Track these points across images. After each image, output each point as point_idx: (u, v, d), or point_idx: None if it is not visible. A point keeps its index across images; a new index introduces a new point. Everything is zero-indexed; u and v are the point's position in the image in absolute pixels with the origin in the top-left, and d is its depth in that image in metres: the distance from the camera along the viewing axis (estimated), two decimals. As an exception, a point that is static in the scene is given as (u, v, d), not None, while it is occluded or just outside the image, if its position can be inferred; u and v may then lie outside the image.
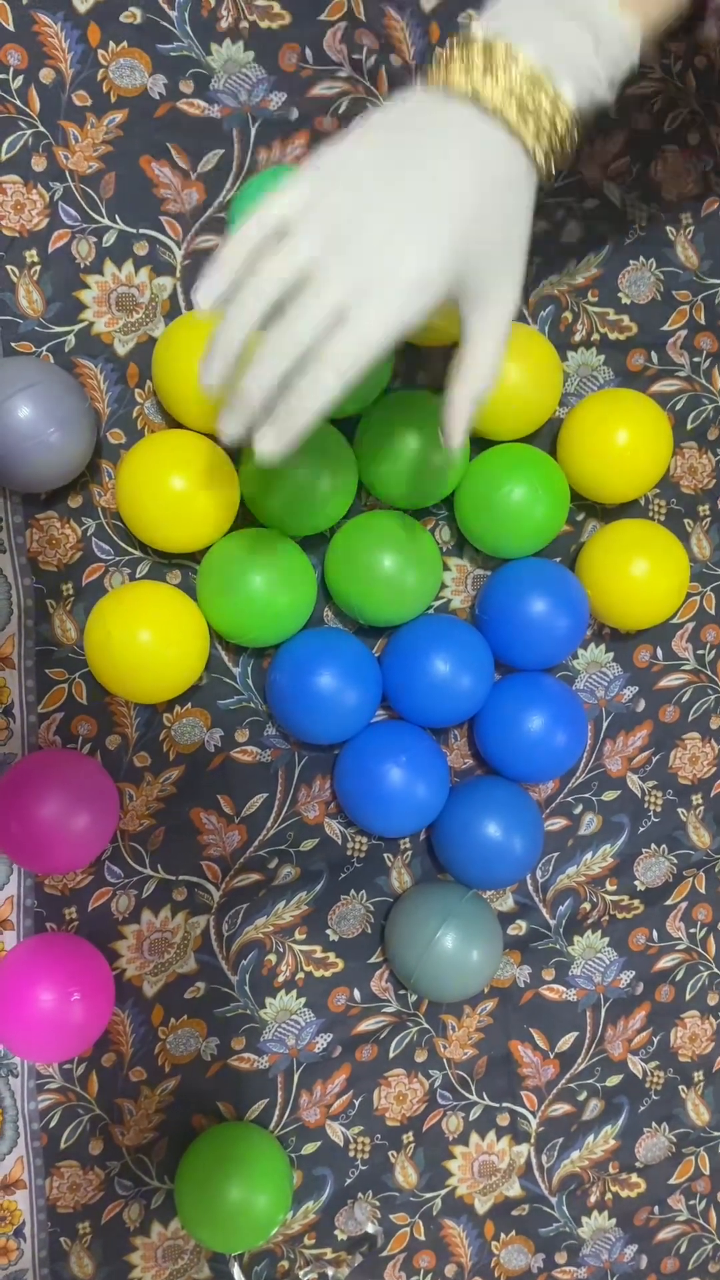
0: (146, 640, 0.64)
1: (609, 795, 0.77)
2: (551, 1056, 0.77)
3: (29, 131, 0.65)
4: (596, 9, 0.44)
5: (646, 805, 0.78)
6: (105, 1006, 0.65)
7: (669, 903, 0.79)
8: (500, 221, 0.46)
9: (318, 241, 0.44)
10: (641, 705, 0.77)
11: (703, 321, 0.76)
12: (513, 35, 0.44)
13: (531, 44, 0.44)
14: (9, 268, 0.65)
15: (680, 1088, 0.80)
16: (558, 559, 0.74)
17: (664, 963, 0.79)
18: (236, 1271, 0.72)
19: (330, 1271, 0.74)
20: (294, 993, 0.74)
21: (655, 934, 0.79)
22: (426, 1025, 0.75)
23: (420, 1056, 0.75)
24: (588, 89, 0.46)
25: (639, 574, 0.71)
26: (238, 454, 0.68)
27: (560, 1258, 0.79)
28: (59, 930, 0.69)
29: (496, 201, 0.45)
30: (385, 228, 0.44)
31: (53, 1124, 0.70)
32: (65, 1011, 0.63)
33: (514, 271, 0.48)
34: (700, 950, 0.80)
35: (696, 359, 0.76)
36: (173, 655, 0.65)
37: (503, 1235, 0.78)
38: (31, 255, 0.66)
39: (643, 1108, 0.79)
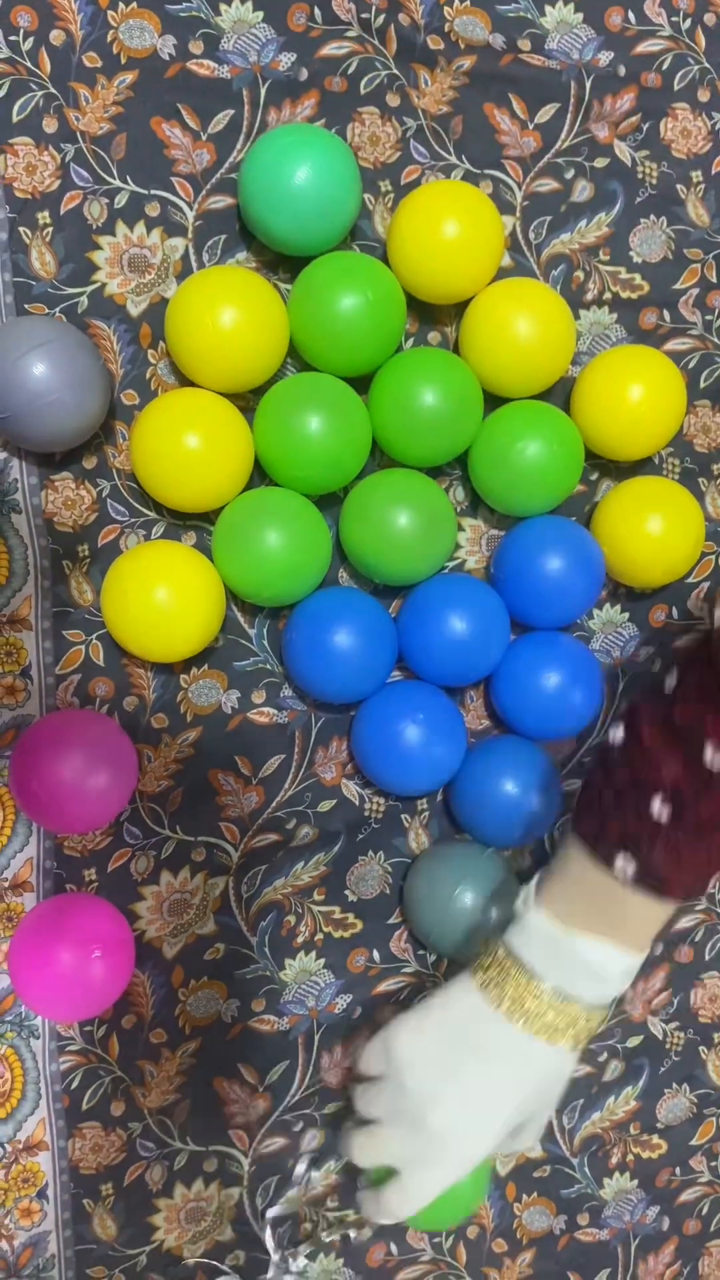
0: (163, 599, 0.64)
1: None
2: (571, 1017, 0.77)
3: (40, 93, 0.65)
4: (607, 969, 0.53)
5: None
6: (126, 965, 0.66)
7: (687, 863, 0.79)
8: (544, 1096, 0.56)
9: (388, 1110, 0.56)
10: (657, 664, 0.77)
11: (714, 279, 0.76)
12: (543, 974, 0.53)
13: (559, 984, 0.53)
14: (21, 229, 0.66)
15: (701, 1048, 0.80)
16: (572, 518, 0.74)
17: (683, 923, 0.79)
18: (268, 1236, 0.72)
19: (353, 1233, 0.74)
20: (313, 954, 0.74)
21: (674, 894, 0.78)
22: (446, 986, 0.75)
23: (440, 1018, 0.75)
24: (609, 998, 0.55)
25: (655, 531, 0.71)
26: (251, 413, 0.68)
27: (582, 1219, 0.79)
28: (78, 891, 0.70)
29: (542, 1088, 0.55)
30: (445, 1126, 0.54)
31: (74, 1085, 0.70)
32: (86, 969, 0.63)
33: (551, 1107, 0.58)
34: (719, 912, 0.79)
35: (709, 317, 0.76)
36: (189, 614, 0.65)
37: (525, 1196, 0.78)
38: (44, 217, 0.66)
39: (663, 1069, 0.79)
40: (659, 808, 0.50)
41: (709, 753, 0.49)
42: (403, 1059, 0.55)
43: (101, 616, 0.68)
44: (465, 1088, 0.54)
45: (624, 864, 0.52)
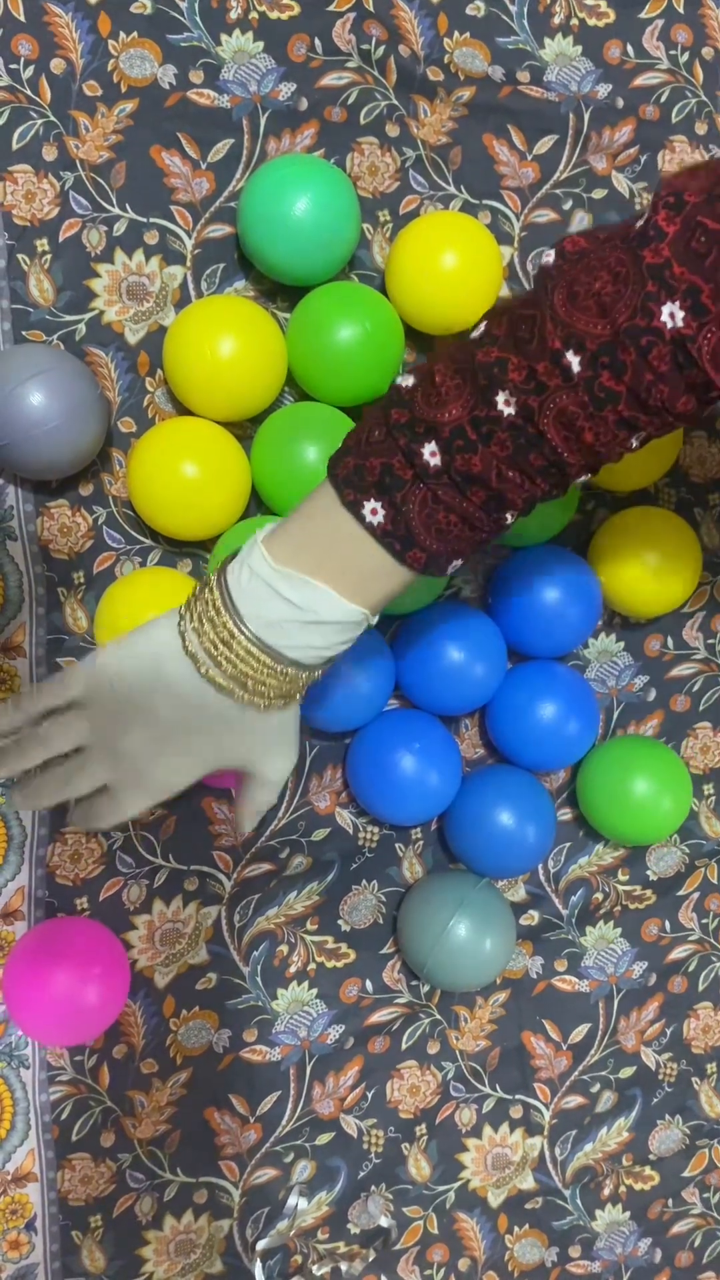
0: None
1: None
2: (564, 1048, 0.77)
3: (40, 121, 0.65)
4: (321, 613, 0.49)
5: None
6: (121, 989, 0.65)
7: (681, 893, 0.78)
8: (256, 749, 0.53)
9: (88, 736, 0.52)
10: (653, 694, 0.77)
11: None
12: (247, 617, 0.49)
13: (260, 632, 0.49)
14: (20, 256, 0.65)
15: (693, 1080, 0.80)
16: (567, 547, 0.74)
17: (677, 953, 0.79)
18: (258, 1269, 0.72)
19: (344, 1266, 0.73)
20: (306, 984, 0.73)
21: (668, 924, 0.78)
22: (439, 1016, 0.75)
23: (433, 1048, 0.75)
24: (316, 656, 0.51)
25: (652, 562, 0.71)
26: (249, 442, 0.68)
27: (574, 1251, 0.78)
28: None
29: (231, 738, 0.52)
30: (135, 757, 0.52)
31: (64, 1116, 0.70)
32: (80, 994, 0.63)
33: (282, 758, 0.55)
34: (713, 941, 0.79)
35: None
36: None
37: (516, 1229, 0.77)
38: (42, 244, 0.66)
39: (656, 1100, 0.79)
40: (430, 451, 0.47)
41: (501, 398, 0.46)
42: (99, 682, 0.52)
43: (95, 644, 0.67)
44: (155, 719, 0.51)
45: (374, 510, 0.48)
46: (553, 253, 0.47)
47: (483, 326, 0.48)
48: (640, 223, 0.44)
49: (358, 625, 0.51)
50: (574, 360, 0.44)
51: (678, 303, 0.42)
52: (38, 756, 0.53)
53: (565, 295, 0.45)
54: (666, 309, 0.42)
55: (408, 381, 0.49)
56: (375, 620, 0.52)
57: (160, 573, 0.68)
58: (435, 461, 0.47)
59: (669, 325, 0.42)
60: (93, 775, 0.53)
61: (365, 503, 0.48)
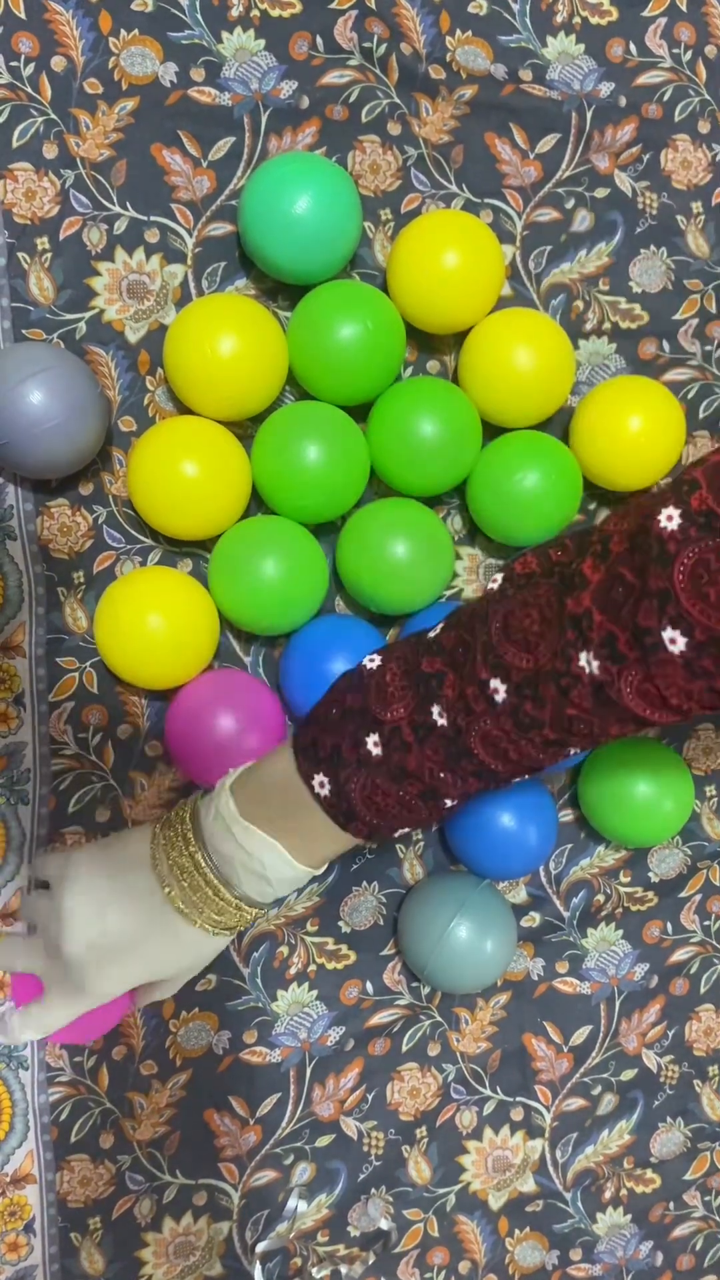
0: (157, 625, 0.64)
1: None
2: (565, 1050, 0.77)
3: (40, 119, 0.65)
4: (268, 867, 0.53)
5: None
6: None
7: (683, 895, 0.78)
8: (180, 963, 0.57)
9: (45, 918, 0.56)
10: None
11: (714, 310, 0.76)
12: (211, 848, 0.54)
13: (220, 864, 0.54)
14: (20, 255, 0.65)
15: (695, 1082, 0.79)
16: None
17: (678, 955, 0.78)
18: (257, 1272, 0.72)
19: (344, 1269, 0.73)
20: (306, 985, 0.73)
21: (669, 926, 0.78)
22: (439, 1018, 0.75)
23: (433, 1050, 0.75)
24: (265, 898, 0.55)
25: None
26: (249, 441, 0.68)
27: (575, 1254, 0.78)
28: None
29: (176, 955, 0.56)
30: (74, 959, 0.54)
31: (63, 1117, 0.69)
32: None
33: (193, 972, 0.59)
34: (715, 943, 0.79)
35: (708, 348, 0.76)
36: (183, 641, 0.65)
37: (517, 1231, 0.77)
38: (43, 242, 0.66)
39: (657, 1102, 0.78)
40: (373, 741, 0.50)
41: (436, 710, 0.49)
42: (65, 879, 0.56)
43: (95, 644, 0.67)
44: (103, 929, 0.54)
45: (321, 784, 0.52)
46: (500, 576, 0.50)
47: (438, 629, 0.52)
48: (560, 558, 0.47)
49: (303, 879, 0.55)
50: (500, 688, 0.47)
51: (592, 652, 0.44)
52: (25, 914, 0.60)
53: (501, 625, 0.47)
54: (583, 656, 0.44)
55: (373, 663, 0.53)
56: (321, 871, 0.56)
57: (160, 572, 0.67)
58: (377, 752, 0.50)
59: (587, 671, 0.44)
60: (33, 957, 0.57)
61: (315, 775, 0.52)
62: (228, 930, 0.56)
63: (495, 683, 0.47)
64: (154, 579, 0.66)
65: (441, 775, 0.50)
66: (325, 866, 0.56)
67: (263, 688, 0.68)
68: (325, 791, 0.52)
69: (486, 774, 0.50)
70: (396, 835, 0.54)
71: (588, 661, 0.44)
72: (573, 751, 0.49)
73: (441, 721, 0.49)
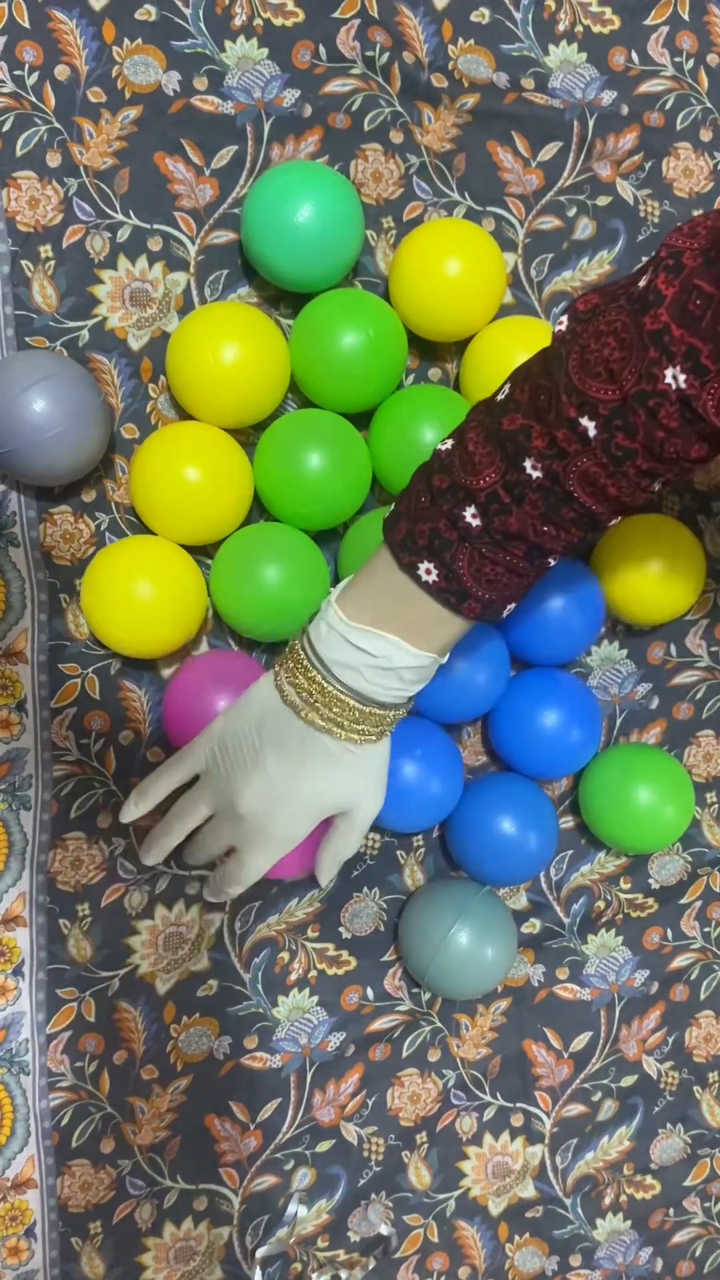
0: (144, 592, 0.64)
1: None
2: (566, 1056, 0.77)
3: (44, 128, 0.65)
4: (395, 661, 0.54)
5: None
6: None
7: (683, 901, 0.78)
8: (346, 785, 0.59)
9: (211, 800, 0.60)
10: (655, 702, 0.77)
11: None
12: (334, 668, 0.55)
13: (348, 679, 0.55)
14: (23, 263, 0.65)
15: (695, 1088, 0.79)
16: (570, 555, 0.74)
17: (678, 962, 0.78)
18: (257, 1277, 0.72)
19: (344, 1274, 0.73)
20: (306, 991, 0.73)
21: (670, 933, 0.78)
22: (440, 1024, 0.75)
23: (434, 1056, 0.75)
24: (401, 695, 0.56)
25: (656, 569, 0.70)
26: (252, 448, 0.68)
27: (575, 1260, 0.78)
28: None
29: (338, 777, 0.58)
30: (250, 807, 0.58)
31: (64, 1122, 0.70)
32: None
33: (374, 800, 0.60)
34: (715, 949, 0.79)
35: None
36: (170, 607, 0.65)
37: (517, 1237, 0.77)
38: (46, 250, 0.66)
39: (657, 1109, 0.79)
40: (472, 515, 0.51)
41: (529, 463, 0.49)
42: (213, 747, 0.59)
43: (99, 650, 0.68)
44: (266, 775, 0.57)
45: (427, 571, 0.52)
46: (565, 318, 0.50)
47: (507, 389, 0.51)
48: (643, 281, 0.46)
49: (430, 667, 0.56)
50: (589, 426, 0.47)
51: (678, 366, 0.44)
52: (180, 833, 0.61)
53: (578, 363, 0.47)
54: (669, 373, 0.44)
55: (446, 445, 0.53)
56: (446, 659, 0.57)
57: (145, 540, 0.67)
58: (476, 523, 0.51)
59: (673, 387, 0.44)
60: (220, 836, 0.60)
61: (419, 565, 0.52)
62: (374, 735, 0.57)
63: (584, 421, 0.47)
64: (139, 546, 0.66)
65: (545, 529, 0.50)
66: (447, 655, 0.57)
67: (260, 668, 0.68)
68: (434, 577, 0.52)
69: (587, 518, 0.50)
70: (505, 612, 0.55)
71: (674, 377, 0.44)
72: (657, 488, 0.50)
73: (536, 474, 0.49)
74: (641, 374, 0.45)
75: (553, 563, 0.54)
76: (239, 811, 0.58)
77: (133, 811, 0.62)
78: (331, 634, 0.55)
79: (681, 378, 0.43)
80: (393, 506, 0.55)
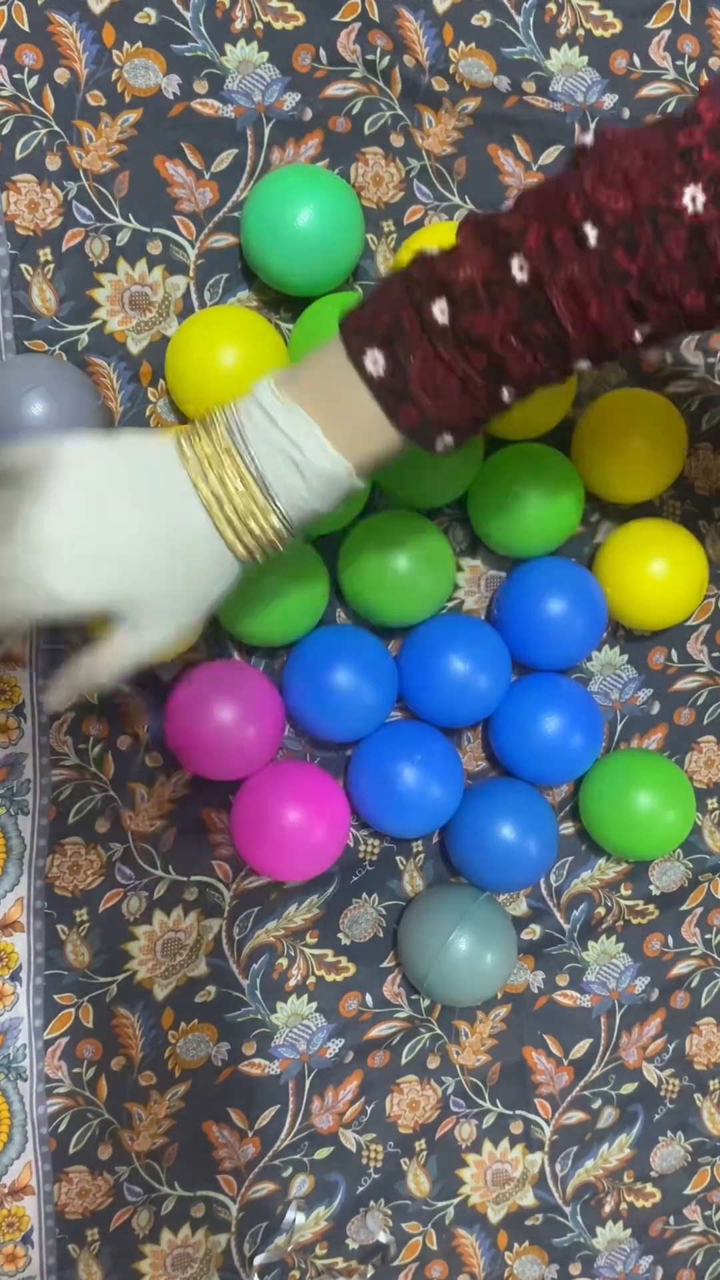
0: None
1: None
2: (565, 1063, 0.76)
3: (43, 131, 0.65)
4: (306, 452, 0.48)
5: (661, 809, 0.77)
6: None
7: (684, 908, 0.78)
8: (175, 584, 0.50)
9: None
10: (656, 708, 0.77)
11: (717, 322, 0.75)
12: (245, 440, 0.49)
13: (253, 455, 0.49)
14: (23, 266, 0.65)
15: (696, 1096, 0.79)
16: (572, 560, 0.74)
17: (679, 969, 0.78)
18: None
19: (341, 1281, 0.73)
20: (305, 997, 0.73)
21: (670, 939, 0.78)
22: (439, 1031, 0.75)
23: (433, 1063, 0.75)
24: (298, 508, 0.50)
25: (659, 574, 0.70)
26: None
27: (574, 1269, 0.77)
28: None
29: (178, 568, 0.50)
30: (46, 540, 0.47)
31: (61, 1128, 0.69)
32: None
33: (174, 619, 0.51)
34: (716, 956, 0.79)
35: (711, 360, 0.76)
36: None
37: (516, 1245, 0.77)
38: (45, 254, 0.66)
39: (658, 1116, 0.78)
40: (439, 309, 0.47)
41: (515, 263, 0.46)
42: (53, 460, 0.48)
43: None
44: (96, 519, 0.48)
45: (375, 361, 0.48)
46: (591, 134, 0.48)
47: (512, 202, 0.49)
48: (683, 110, 0.45)
49: (338, 482, 0.50)
50: (591, 232, 0.45)
51: (700, 185, 0.42)
52: None
53: (595, 171, 0.45)
54: (689, 191, 0.42)
55: (434, 250, 0.49)
56: (360, 485, 0.51)
57: None
58: (443, 320, 0.47)
59: (689, 209, 0.43)
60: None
61: (367, 351, 0.48)
62: (249, 549, 0.50)
63: (587, 226, 0.45)
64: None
65: (511, 340, 0.47)
66: (363, 479, 0.51)
67: (261, 678, 0.68)
68: (379, 370, 0.48)
69: (557, 342, 0.47)
70: (438, 441, 0.50)
71: (692, 198, 0.43)
72: (638, 338, 0.47)
73: (521, 275, 0.46)
74: (660, 188, 0.43)
75: (506, 398, 0.49)
76: (28, 535, 0.47)
77: None
78: (253, 405, 0.49)
79: (701, 199, 0.42)
80: (358, 301, 0.51)
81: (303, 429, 0.48)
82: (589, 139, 0.48)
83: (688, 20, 0.73)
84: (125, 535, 0.48)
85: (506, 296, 0.46)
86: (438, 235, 0.67)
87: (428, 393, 0.48)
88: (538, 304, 0.46)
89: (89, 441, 0.50)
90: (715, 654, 0.78)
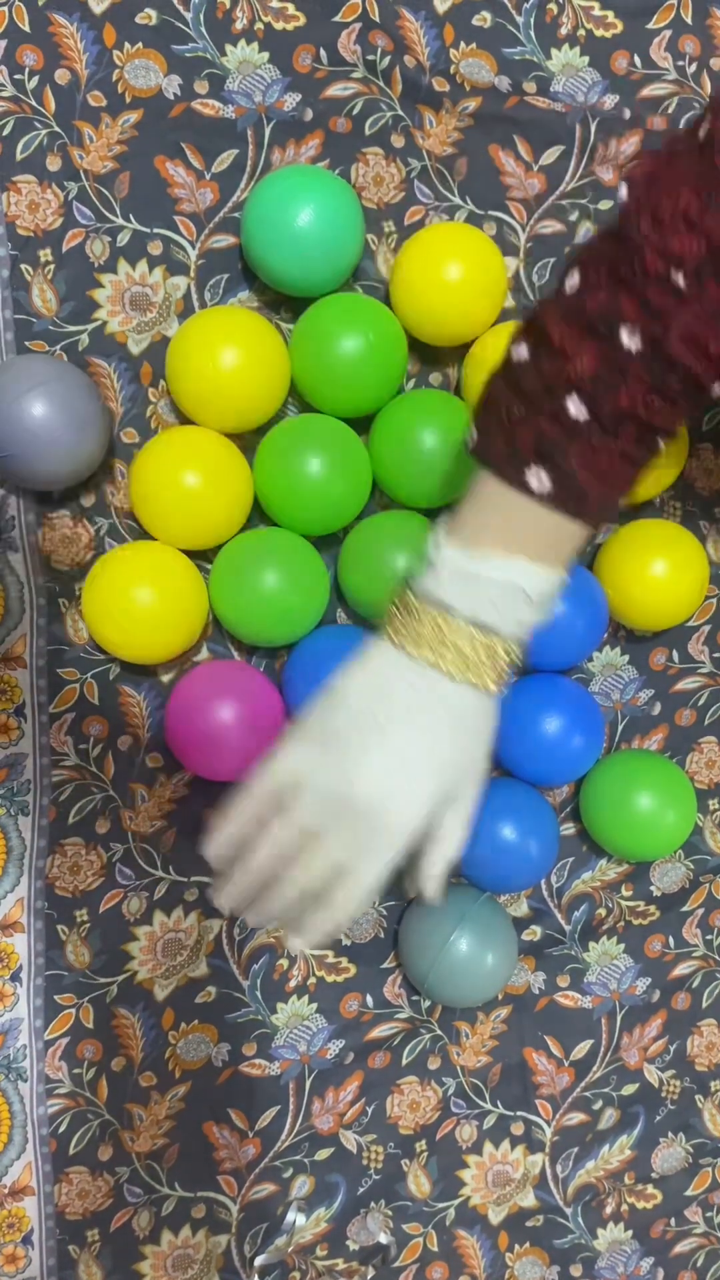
0: (145, 598, 0.64)
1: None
2: (566, 1064, 0.76)
3: (44, 131, 0.65)
4: (525, 588, 0.49)
5: (662, 810, 0.77)
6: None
7: (685, 909, 0.78)
8: (471, 753, 0.52)
9: (315, 809, 0.49)
10: (658, 709, 0.77)
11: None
12: (457, 607, 0.49)
13: (474, 614, 0.49)
14: (23, 267, 0.65)
15: (697, 1097, 0.79)
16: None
17: (680, 970, 0.78)
18: None
19: (342, 1282, 0.73)
20: (306, 998, 0.73)
21: (671, 940, 0.78)
22: (440, 1032, 0.75)
23: (433, 1064, 0.75)
24: (527, 628, 0.51)
25: (659, 574, 0.70)
26: (252, 453, 0.68)
27: (575, 1270, 0.77)
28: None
29: (468, 742, 0.51)
30: (373, 791, 0.49)
31: (62, 1129, 0.69)
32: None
33: (479, 777, 0.53)
34: (717, 957, 0.79)
35: (712, 360, 0.75)
36: (171, 612, 0.65)
37: (517, 1247, 0.76)
38: (45, 254, 0.66)
39: (659, 1117, 0.78)
40: (575, 406, 0.47)
41: (624, 335, 0.46)
42: (311, 751, 0.50)
43: (98, 655, 0.67)
44: (388, 743, 0.49)
45: (538, 478, 0.48)
46: (624, 188, 0.48)
47: (577, 276, 0.49)
48: (703, 130, 0.44)
49: (556, 589, 0.51)
50: (679, 279, 0.45)
51: None
52: (268, 870, 0.51)
53: (651, 222, 0.45)
54: None
55: (521, 353, 0.49)
56: (568, 580, 0.52)
57: (145, 546, 0.67)
58: (582, 413, 0.47)
59: None
60: (325, 852, 0.50)
61: (528, 474, 0.48)
62: (499, 679, 0.51)
63: (673, 275, 0.45)
64: (142, 552, 0.66)
65: (654, 401, 0.47)
66: (568, 574, 0.52)
67: (262, 678, 0.68)
68: (546, 485, 0.48)
69: (692, 384, 0.47)
70: (618, 508, 0.52)
71: None
72: None
73: (635, 343, 0.46)
74: None
75: (661, 445, 0.50)
76: (354, 800, 0.48)
77: (219, 844, 0.52)
78: (445, 571, 0.49)
79: None
80: (474, 435, 0.51)
81: (512, 570, 0.49)
82: (624, 192, 0.48)
83: (689, 20, 0.72)
84: (424, 747, 0.49)
85: (631, 368, 0.47)
86: (438, 235, 0.67)
87: (598, 481, 0.49)
88: (662, 362, 0.47)
89: (328, 697, 0.51)
90: (716, 654, 0.77)
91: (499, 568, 0.49)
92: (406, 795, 0.49)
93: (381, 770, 0.49)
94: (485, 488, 0.50)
